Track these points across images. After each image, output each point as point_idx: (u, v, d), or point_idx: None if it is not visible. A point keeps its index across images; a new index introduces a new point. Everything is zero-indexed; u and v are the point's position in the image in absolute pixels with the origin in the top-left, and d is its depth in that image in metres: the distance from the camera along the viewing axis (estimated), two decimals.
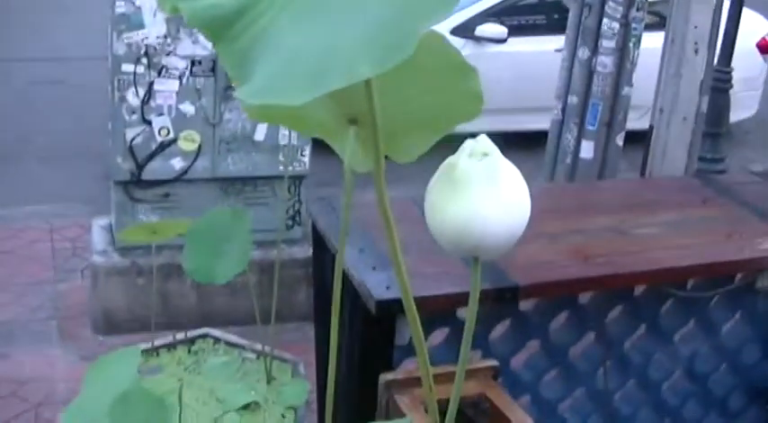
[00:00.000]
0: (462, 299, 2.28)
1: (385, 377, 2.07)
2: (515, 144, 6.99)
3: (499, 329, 2.40)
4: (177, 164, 3.89)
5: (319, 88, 0.61)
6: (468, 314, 0.95)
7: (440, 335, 2.36)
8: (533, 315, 2.40)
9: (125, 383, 0.98)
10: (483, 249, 0.88)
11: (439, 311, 2.30)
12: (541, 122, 5.94)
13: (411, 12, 0.61)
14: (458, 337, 2.35)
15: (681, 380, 2.64)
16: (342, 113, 0.84)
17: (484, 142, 0.84)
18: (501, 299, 2.19)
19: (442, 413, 2.07)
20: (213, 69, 3.78)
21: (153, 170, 3.88)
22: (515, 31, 6.82)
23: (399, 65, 0.75)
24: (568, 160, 4.23)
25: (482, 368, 2.13)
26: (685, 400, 2.67)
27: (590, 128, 4.10)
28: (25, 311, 4.15)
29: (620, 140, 4.11)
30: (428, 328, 2.31)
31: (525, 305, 2.39)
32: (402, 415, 2.00)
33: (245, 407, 2.15)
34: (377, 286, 2.14)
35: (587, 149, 4.14)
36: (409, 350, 2.32)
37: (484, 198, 0.82)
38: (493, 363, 2.14)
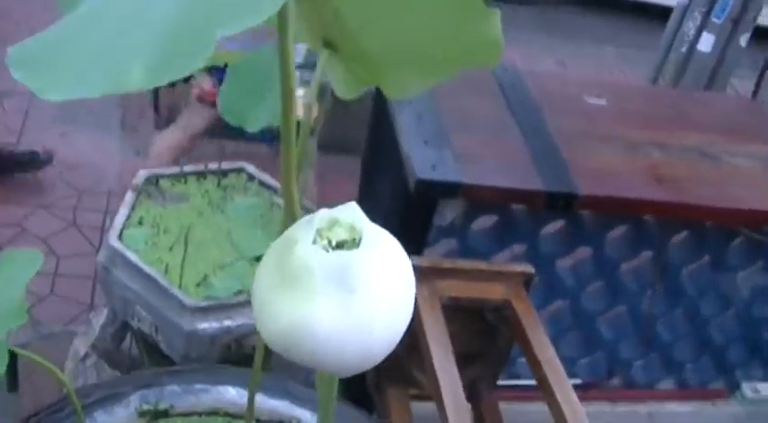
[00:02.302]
0: (518, 196, 2.11)
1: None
2: (636, 14, 6.63)
3: (551, 228, 2.22)
4: None
5: (77, 92, 0.44)
6: None
7: (486, 221, 2.19)
8: (590, 221, 2.22)
9: (13, 290, 0.85)
10: (320, 368, 0.58)
11: (489, 200, 2.12)
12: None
13: (210, 14, 0.43)
14: (506, 228, 2.18)
15: (732, 320, 2.46)
16: (316, 34, 0.66)
17: (348, 217, 0.54)
18: (554, 205, 2.01)
19: (458, 310, 1.93)
20: None
21: None
22: None
23: None
24: (684, 49, 3.95)
25: (514, 273, 1.97)
26: (732, 342, 2.50)
27: (715, 20, 3.79)
28: None
29: (743, 41, 3.80)
30: (474, 213, 2.15)
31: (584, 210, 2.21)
32: (417, 307, 1.86)
33: (259, 258, 2.03)
34: (422, 163, 1.96)
35: (706, 43, 3.85)
36: (449, 231, 2.17)
37: (325, 308, 0.51)
38: (527, 268, 1.98)
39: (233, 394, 0.90)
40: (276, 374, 0.92)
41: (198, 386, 0.89)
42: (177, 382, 0.88)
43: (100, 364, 2.04)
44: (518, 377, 2.37)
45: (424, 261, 1.94)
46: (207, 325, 1.85)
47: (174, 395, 0.88)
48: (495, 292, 1.94)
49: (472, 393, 2.11)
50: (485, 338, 2.03)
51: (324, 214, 0.54)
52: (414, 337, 1.86)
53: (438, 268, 1.93)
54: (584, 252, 2.28)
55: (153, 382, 0.88)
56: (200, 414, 0.89)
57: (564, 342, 2.36)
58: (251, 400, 0.81)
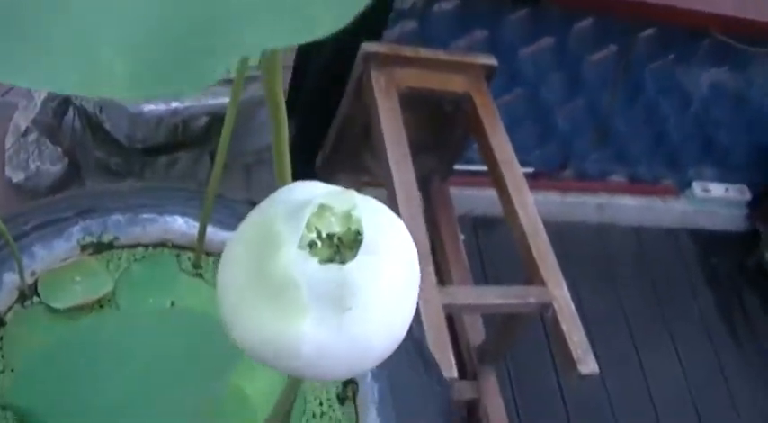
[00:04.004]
0: None
1: (366, 47, 1.84)
2: None
3: (514, 16, 2.13)
4: None
5: (47, 83, 0.29)
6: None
7: (448, 4, 2.10)
8: (557, 11, 2.13)
9: None
10: (307, 379, 0.52)
11: None
12: None
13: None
14: (468, 13, 2.09)
15: (690, 120, 2.43)
16: None
17: (343, 204, 0.42)
18: None
19: (415, 101, 1.87)
20: None
21: None
22: None
23: None
24: None
25: (476, 64, 1.90)
26: (686, 141, 2.48)
27: None
28: None
29: None
30: None
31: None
32: (373, 96, 1.79)
33: None
34: None
35: None
36: (410, 13, 2.08)
37: (315, 327, 0.41)
38: (489, 60, 1.90)
39: (181, 224, 0.83)
40: (230, 202, 0.85)
41: (144, 216, 0.82)
42: (121, 211, 0.82)
43: (41, 139, 1.97)
44: (470, 162, 2.33)
45: (383, 48, 1.85)
46: (153, 106, 1.78)
47: (119, 226, 0.82)
48: (455, 83, 1.87)
49: (424, 183, 2.08)
50: (441, 130, 1.98)
51: (312, 200, 0.41)
52: (368, 126, 1.80)
53: (398, 56, 1.84)
54: (547, 42, 2.21)
55: (94, 205, 0.82)
56: (146, 246, 0.82)
57: (519, 131, 2.32)
58: (202, 232, 0.75)
